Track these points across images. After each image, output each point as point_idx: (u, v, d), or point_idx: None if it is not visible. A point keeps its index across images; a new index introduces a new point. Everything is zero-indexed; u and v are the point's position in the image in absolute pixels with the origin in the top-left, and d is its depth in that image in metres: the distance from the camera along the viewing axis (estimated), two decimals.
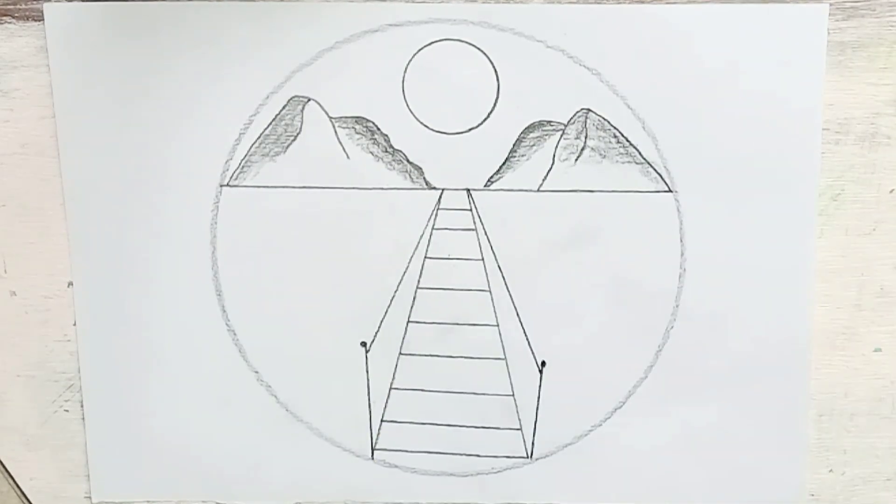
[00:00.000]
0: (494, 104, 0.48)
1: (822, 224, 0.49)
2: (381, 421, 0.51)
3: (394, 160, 0.49)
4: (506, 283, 0.49)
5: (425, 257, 0.49)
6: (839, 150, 0.48)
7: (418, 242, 0.49)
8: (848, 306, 0.50)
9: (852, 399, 0.51)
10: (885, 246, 0.49)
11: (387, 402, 0.51)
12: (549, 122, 0.48)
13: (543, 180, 0.49)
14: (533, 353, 0.50)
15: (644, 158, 0.48)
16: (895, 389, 0.51)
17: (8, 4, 0.48)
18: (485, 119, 0.48)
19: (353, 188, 0.49)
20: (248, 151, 0.49)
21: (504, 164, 0.49)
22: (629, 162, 0.48)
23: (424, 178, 0.49)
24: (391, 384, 0.51)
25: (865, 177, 0.49)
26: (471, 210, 0.49)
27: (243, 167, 0.49)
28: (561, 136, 0.48)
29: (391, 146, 0.49)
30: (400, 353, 0.50)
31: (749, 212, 0.49)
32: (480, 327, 0.50)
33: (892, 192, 0.49)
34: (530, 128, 0.48)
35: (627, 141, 0.48)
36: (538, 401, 0.50)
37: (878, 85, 0.48)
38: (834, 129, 0.48)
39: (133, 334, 0.51)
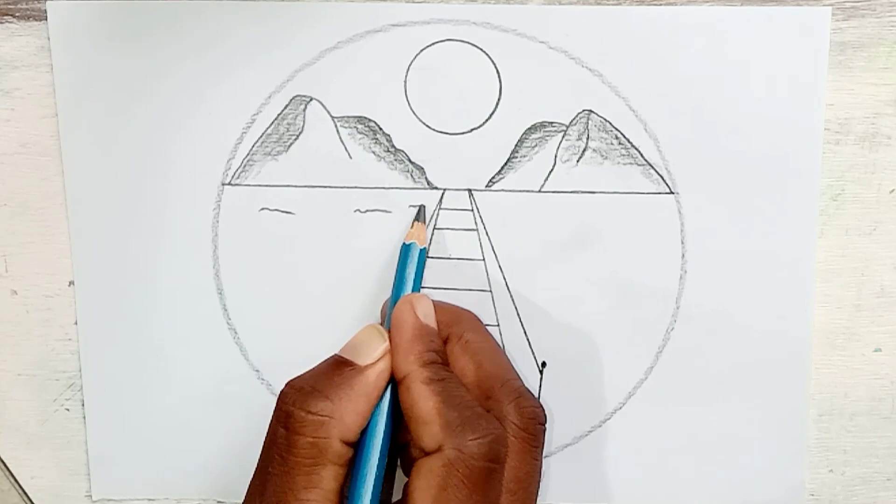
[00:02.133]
0: (496, 105, 0.48)
1: (822, 224, 0.49)
2: None
3: (396, 160, 0.49)
4: (507, 284, 0.49)
5: (427, 257, 0.49)
6: (839, 150, 0.48)
7: None
8: (848, 306, 0.50)
9: (852, 399, 0.51)
10: (885, 246, 0.49)
11: None
12: (551, 123, 0.48)
13: (545, 181, 0.49)
14: (533, 353, 0.50)
15: (646, 160, 0.48)
16: (895, 389, 0.51)
17: (9, 4, 0.48)
18: (487, 119, 0.48)
19: (356, 187, 0.49)
20: (250, 150, 0.49)
21: (506, 164, 0.49)
22: (631, 163, 0.48)
23: (426, 178, 0.49)
24: None
25: (866, 177, 0.49)
26: (472, 210, 0.49)
27: (245, 166, 0.49)
28: (563, 137, 0.48)
29: (393, 146, 0.49)
30: None
31: (750, 213, 0.49)
32: None
33: (892, 192, 0.49)
34: (532, 129, 0.48)
35: (629, 142, 0.48)
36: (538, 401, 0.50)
37: (878, 85, 0.48)
38: (834, 130, 0.48)
39: (134, 333, 0.51)
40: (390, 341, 0.44)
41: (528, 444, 0.43)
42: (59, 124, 0.49)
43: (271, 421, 0.42)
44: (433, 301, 0.47)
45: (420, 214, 0.49)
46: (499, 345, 0.49)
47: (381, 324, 0.47)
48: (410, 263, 0.47)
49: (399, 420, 0.44)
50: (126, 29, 0.48)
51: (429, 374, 0.43)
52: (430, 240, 0.49)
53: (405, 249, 0.48)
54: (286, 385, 0.43)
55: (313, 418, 0.41)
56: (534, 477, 0.44)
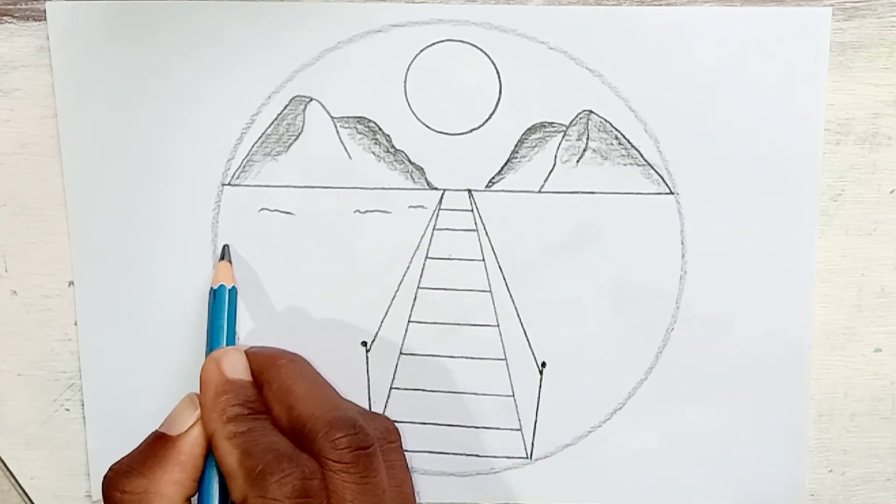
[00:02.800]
0: (496, 105, 0.48)
1: (822, 224, 0.49)
2: None
3: (395, 160, 0.49)
4: (506, 284, 0.49)
5: (426, 257, 0.49)
6: (839, 150, 0.48)
7: (419, 242, 0.49)
8: (848, 306, 0.50)
9: (852, 399, 0.51)
10: (885, 246, 0.49)
11: (387, 401, 0.51)
12: (551, 123, 0.48)
13: (545, 181, 0.49)
14: (533, 353, 0.50)
15: (646, 160, 0.48)
16: (895, 389, 0.51)
17: (8, 4, 0.48)
18: (487, 120, 0.48)
19: (355, 188, 0.49)
20: (250, 151, 0.49)
21: (506, 164, 0.49)
22: (631, 164, 0.48)
23: (426, 179, 0.49)
24: (391, 384, 0.51)
25: (866, 177, 0.49)
26: (472, 211, 0.49)
27: (245, 166, 0.49)
28: (563, 137, 0.48)
29: (393, 146, 0.49)
30: (400, 353, 0.50)
31: (750, 214, 0.49)
32: (481, 328, 0.50)
33: (892, 192, 0.49)
34: (532, 129, 0.48)
35: (629, 143, 0.48)
36: (538, 401, 0.50)
37: (878, 85, 0.48)
38: (834, 130, 0.48)
39: (134, 334, 0.51)
40: (200, 403, 0.44)
41: (352, 474, 0.41)
42: (59, 124, 0.49)
43: None
44: (249, 348, 0.47)
45: (224, 253, 0.49)
46: (319, 382, 0.47)
47: None
48: (221, 308, 0.47)
49: None
50: (125, 29, 0.48)
51: (232, 429, 0.42)
52: (431, 240, 0.49)
53: (213, 294, 0.48)
54: (108, 469, 0.43)
55: (129, 497, 0.42)
56: (381, 501, 0.42)
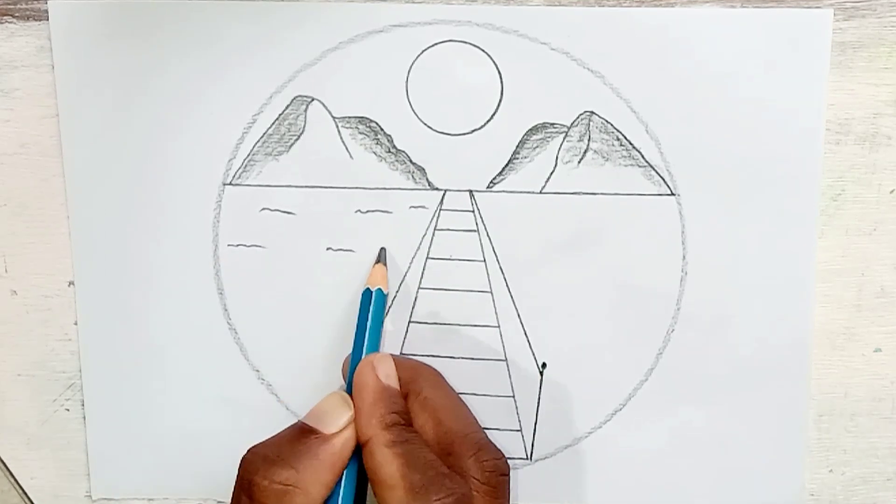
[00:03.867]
0: (498, 106, 0.48)
1: (822, 224, 0.49)
2: None
3: (397, 161, 0.49)
4: (507, 285, 0.49)
5: (427, 258, 0.49)
6: (839, 150, 0.48)
7: (420, 243, 0.49)
8: (848, 306, 0.50)
9: (852, 399, 0.51)
10: (886, 246, 0.50)
11: None
12: (553, 124, 0.48)
13: (546, 182, 0.49)
14: (534, 354, 0.50)
15: (647, 161, 0.48)
16: (895, 389, 0.51)
17: (9, 4, 0.48)
18: (488, 120, 0.48)
19: (356, 188, 0.49)
20: (251, 150, 0.49)
21: (507, 165, 0.49)
22: (632, 165, 0.48)
23: (427, 179, 0.49)
24: None
25: (866, 177, 0.49)
26: (473, 211, 0.49)
27: (246, 166, 0.49)
28: (564, 138, 0.48)
29: (394, 147, 0.49)
30: (401, 354, 0.50)
31: (751, 214, 0.49)
32: (481, 328, 0.50)
33: (892, 192, 0.49)
34: (533, 130, 0.48)
35: (630, 144, 0.48)
36: (538, 402, 0.50)
37: (878, 85, 0.48)
38: (834, 130, 0.48)
39: (134, 334, 0.51)
40: (355, 406, 0.44)
41: (492, 498, 0.42)
42: (60, 124, 0.49)
43: (234, 488, 0.42)
44: (394, 357, 0.47)
45: (381, 256, 0.49)
46: (460, 399, 0.48)
47: (343, 376, 0.48)
48: (373, 311, 0.48)
49: (365, 486, 0.44)
50: (127, 28, 0.48)
51: (391, 437, 0.42)
52: (432, 241, 0.49)
53: (366, 296, 0.48)
54: (249, 452, 0.42)
55: (277, 488, 0.41)
56: None
